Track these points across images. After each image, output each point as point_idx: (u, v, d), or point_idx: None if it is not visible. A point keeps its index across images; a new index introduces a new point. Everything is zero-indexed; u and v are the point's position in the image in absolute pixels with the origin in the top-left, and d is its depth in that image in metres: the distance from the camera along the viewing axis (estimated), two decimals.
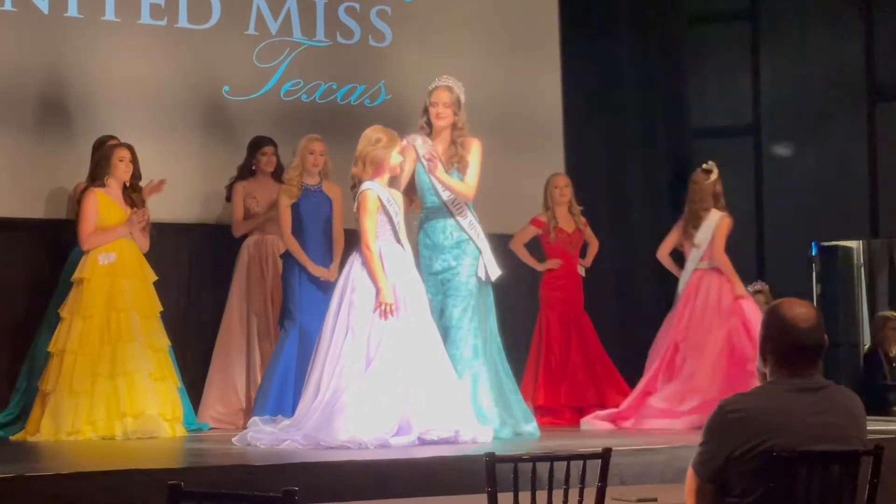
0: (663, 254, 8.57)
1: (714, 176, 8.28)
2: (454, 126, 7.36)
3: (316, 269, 8.06)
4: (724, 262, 8.27)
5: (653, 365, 8.38)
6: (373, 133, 6.97)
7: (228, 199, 8.80)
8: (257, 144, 8.78)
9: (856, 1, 10.26)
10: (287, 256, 8.18)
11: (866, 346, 10.26)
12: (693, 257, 8.34)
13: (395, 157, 6.94)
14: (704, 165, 8.36)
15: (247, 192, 8.73)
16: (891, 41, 10.16)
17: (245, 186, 8.74)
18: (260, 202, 8.70)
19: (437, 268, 7.33)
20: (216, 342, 8.61)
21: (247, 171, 8.79)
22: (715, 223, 8.26)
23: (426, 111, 7.39)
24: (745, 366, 7.78)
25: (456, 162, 7.32)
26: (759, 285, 9.24)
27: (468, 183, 7.33)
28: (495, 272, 7.40)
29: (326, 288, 7.96)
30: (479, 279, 7.33)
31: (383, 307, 6.74)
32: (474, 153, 7.36)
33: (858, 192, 9.65)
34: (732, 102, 10.88)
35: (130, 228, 7.70)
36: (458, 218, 7.33)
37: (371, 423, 6.50)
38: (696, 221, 8.31)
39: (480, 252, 7.34)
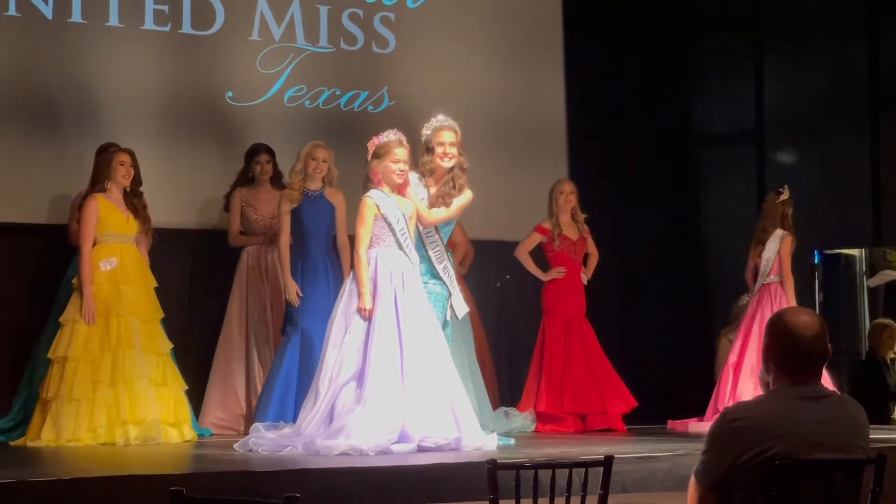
0: (748, 275, 8.98)
1: (784, 197, 8.79)
2: (459, 167, 7.22)
3: (289, 285, 8.04)
4: (788, 279, 8.72)
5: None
6: (369, 147, 7.00)
7: (227, 209, 8.81)
8: (253, 152, 8.81)
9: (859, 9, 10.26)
10: (291, 262, 8.15)
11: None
12: (762, 272, 8.80)
13: (392, 166, 6.92)
14: (779, 189, 8.86)
15: (245, 200, 8.74)
16: (894, 49, 10.15)
17: (243, 194, 8.76)
18: (258, 210, 8.71)
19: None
20: (216, 348, 8.62)
21: (244, 179, 8.82)
22: (779, 240, 8.73)
23: (430, 151, 7.20)
24: None
25: (443, 204, 7.20)
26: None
27: (433, 210, 7.17)
28: (462, 310, 7.37)
29: (328, 293, 7.96)
30: (446, 321, 7.27)
31: (363, 312, 6.76)
32: (463, 197, 7.22)
33: (861, 200, 9.66)
34: (735, 110, 10.88)
35: (87, 306, 7.59)
36: (434, 258, 7.24)
37: (371, 430, 6.49)
38: (762, 238, 8.83)
39: (450, 294, 7.29)
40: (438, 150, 7.20)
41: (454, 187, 7.20)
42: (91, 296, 7.54)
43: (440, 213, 7.20)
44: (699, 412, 8.66)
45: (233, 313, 8.63)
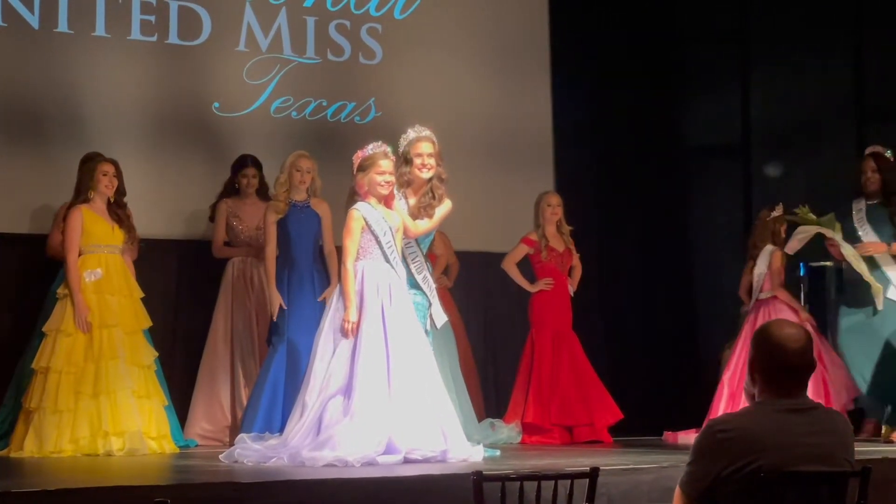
0: (742, 292, 8.98)
1: (776, 214, 8.79)
2: (438, 177, 7.19)
3: (273, 298, 8.04)
4: (781, 292, 8.73)
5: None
6: (354, 160, 7.00)
7: (212, 219, 8.80)
8: (240, 165, 8.79)
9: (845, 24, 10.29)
10: (277, 273, 8.15)
11: None
12: (755, 289, 8.80)
13: (377, 178, 6.90)
14: (773, 205, 8.86)
15: (230, 212, 8.74)
16: (880, 63, 10.18)
17: (229, 205, 8.76)
18: (244, 221, 8.71)
19: None
20: (201, 359, 8.61)
21: (230, 190, 8.81)
22: (769, 255, 8.74)
23: (408, 162, 7.17)
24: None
25: (425, 215, 7.18)
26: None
27: (418, 222, 7.16)
28: (441, 320, 7.37)
29: (315, 303, 7.96)
30: (426, 331, 7.26)
31: (347, 325, 6.76)
32: (443, 207, 7.20)
33: (847, 213, 9.64)
34: (722, 123, 10.90)
35: (79, 314, 7.61)
36: (413, 269, 7.23)
37: (357, 442, 6.49)
38: (754, 254, 8.84)
39: (430, 303, 7.28)
40: (417, 161, 7.19)
41: (434, 198, 7.19)
42: (82, 303, 7.53)
43: (424, 225, 7.21)
44: (689, 424, 8.65)
45: (218, 324, 8.62)
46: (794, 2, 10.43)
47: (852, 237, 8.41)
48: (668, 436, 8.79)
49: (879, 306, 8.30)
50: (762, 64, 10.68)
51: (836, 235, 8.43)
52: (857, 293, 8.40)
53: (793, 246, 8.65)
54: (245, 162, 8.79)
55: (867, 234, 8.41)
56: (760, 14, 10.68)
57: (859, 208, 8.53)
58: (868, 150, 8.62)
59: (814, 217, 8.51)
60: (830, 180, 10.30)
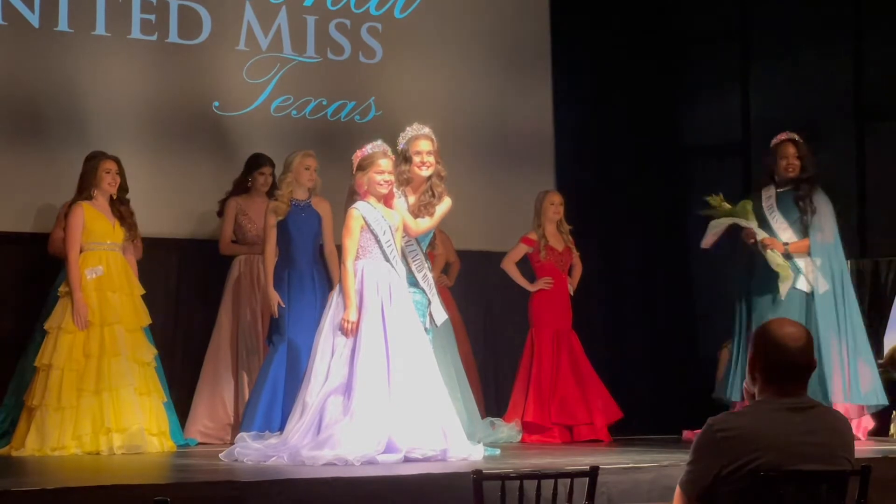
0: None
1: None
2: (437, 175, 7.21)
3: (271, 297, 8.04)
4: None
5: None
6: (354, 159, 7.00)
7: (220, 213, 8.80)
8: (256, 164, 8.77)
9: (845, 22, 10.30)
10: (275, 272, 8.15)
11: None
12: None
13: (376, 177, 6.91)
14: None
15: (240, 209, 8.74)
16: (879, 61, 10.19)
17: (239, 202, 8.76)
18: (252, 219, 8.71)
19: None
20: (205, 357, 8.62)
21: (242, 188, 8.81)
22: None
23: (407, 160, 7.18)
24: None
25: (425, 213, 7.19)
26: None
27: (419, 221, 7.17)
28: (441, 318, 7.37)
29: (315, 303, 7.97)
30: (426, 329, 7.26)
31: (347, 324, 6.76)
32: (443, 205, 7.21)
33: (846, 211, 9.65)
34: (722, 121, 10.90)
35: (78, 313, 7.60)
36: (413, 267, 7.24)
37: (357, 441, 6.49)
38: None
39: (430, 301, 7.28)
40: (416, 158, 7.20)
41: (433, 195, 7.20)
42: (81, 301, 7.53)
43: (425, 223, 7.22)
44: (698, 423, 8.60)
45: (223, 322, 8.63)
46: (794, 1, 10.43)
47: (762, 225, 8.29)
48: (686, 434, 8.72)
49: (782, 295, 8.15)
50: (762, 63, 10.68)
51: (751, 224, 8.27)
52: (767, 279, 8.26)
53: (708, 241, 8.41)
54: (262, 161, 8.78)
55: (776, 220, 8.30)
56: (760, 13, 10.68)
57: (769, 195, 8.38)
58: (783, 137, 8.44)
59: (728, 206, 8.30)
60: (830, 178, 10.31)
